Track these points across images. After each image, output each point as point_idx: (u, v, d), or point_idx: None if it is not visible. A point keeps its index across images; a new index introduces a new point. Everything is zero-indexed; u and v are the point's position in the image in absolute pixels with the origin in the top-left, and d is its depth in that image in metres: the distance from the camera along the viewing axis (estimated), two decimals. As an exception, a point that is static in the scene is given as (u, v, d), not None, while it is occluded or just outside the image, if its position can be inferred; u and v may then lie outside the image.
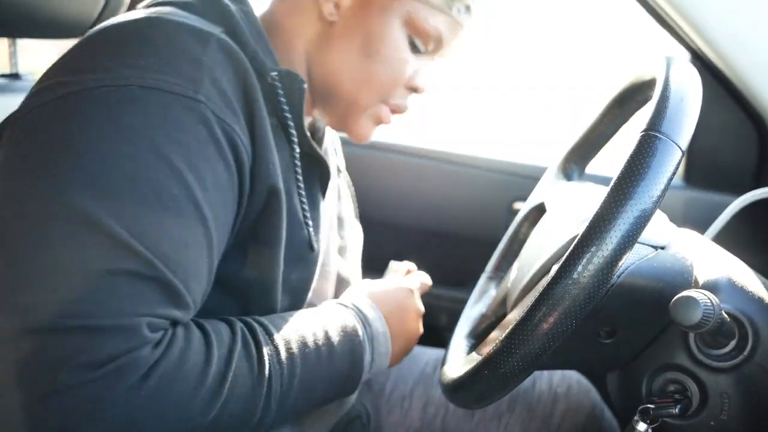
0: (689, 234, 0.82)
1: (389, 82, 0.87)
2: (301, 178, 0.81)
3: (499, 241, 1.09)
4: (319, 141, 0.98)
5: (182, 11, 0.75)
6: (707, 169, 1.35)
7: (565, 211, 0.88)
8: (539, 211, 1.03)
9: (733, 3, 1.11)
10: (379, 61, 0.85)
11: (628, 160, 0.62)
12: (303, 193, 0.81)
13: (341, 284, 0.99)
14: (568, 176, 1.05)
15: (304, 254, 0.82)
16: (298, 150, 0.81)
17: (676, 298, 0.62)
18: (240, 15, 0.79)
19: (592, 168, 1.07)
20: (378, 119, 0.92)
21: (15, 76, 1.17)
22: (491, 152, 1.59)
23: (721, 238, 0.93)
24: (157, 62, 0.65)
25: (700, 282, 0.71)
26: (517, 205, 1.49)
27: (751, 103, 1.23)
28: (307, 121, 0.90)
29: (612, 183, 0.62)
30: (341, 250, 1.02)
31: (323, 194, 0.91)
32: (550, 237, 0.85)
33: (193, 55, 0.67)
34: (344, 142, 1.63)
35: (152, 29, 0.68)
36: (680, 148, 0.63)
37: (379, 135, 1.67)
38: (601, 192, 0.87)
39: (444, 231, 1.60)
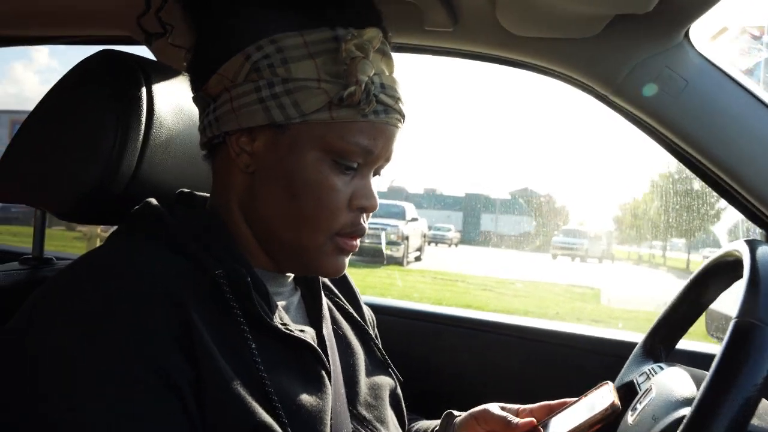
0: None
1: (326, 216, 0.82)
2: (262, 367, 0.76)
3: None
4: (315, 295, 0.97)
5: (129, 235, 0.83)
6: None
7: (661, 395, 0.87)
8: (628, 390, 1.03)
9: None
10: (307, 199, 0.82)
11: (726, 348, 0.64)
12: (267, 381, 0.76)
13: None
14: (655, 357, 1.05)
15: None
16: (253, 345, 0.77)
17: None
18: (183, 219, 0.83)
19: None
20: (339, 251, 0.86)
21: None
22: (578, 329, 1.60)
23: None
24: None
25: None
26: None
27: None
28: (280, 303, 0.88)
29: (711, 371, 0.63)
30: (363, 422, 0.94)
31: (323, 369, 0.86)
32: (646, 421, 0.84)
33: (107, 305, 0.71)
34: (417, 317, 1.68)
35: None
36: (777, 333, 0.64)
37: (462, 311, 1.73)
38: (696, 377, 0.87)
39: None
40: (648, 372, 1.00)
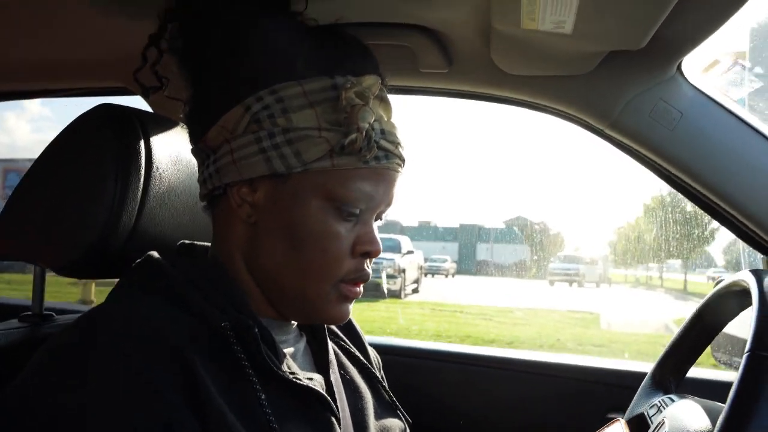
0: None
1: (330, 264, 0.82)
2: (272, 418, 0.76)
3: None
4: (320, 341, 0.97)
5: (131, 290, 0.82)
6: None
7: (674, 430, 0.87)
8: (639, 423, 1.02)
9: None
10: (310, 248, 0.81)
11: (740, 382, 0.64)
12: None
13: None
14: (665, 388, 1.05)
15: None
16: (263, 397, 0.76)
17: None
18: (186, 271, 0.82)
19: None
20: (343, 298, 0.85)
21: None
22: (583, 360, 1.59)
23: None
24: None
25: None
26: (612, 415, 1.46)
27: None
28: (287, 351, 0.88)
29: (727, 405, 0.63)
30: None
31: (333, 417, 0.85)
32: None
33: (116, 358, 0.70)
34: (422, 356, 1.67)
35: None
36: (790, 365, 0.64)
37: (467, 348, 1.72)
38: (710, 410, 0.87)
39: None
40: (659, 404, 1.00)
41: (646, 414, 1.01)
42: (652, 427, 0.94)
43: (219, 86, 0.83)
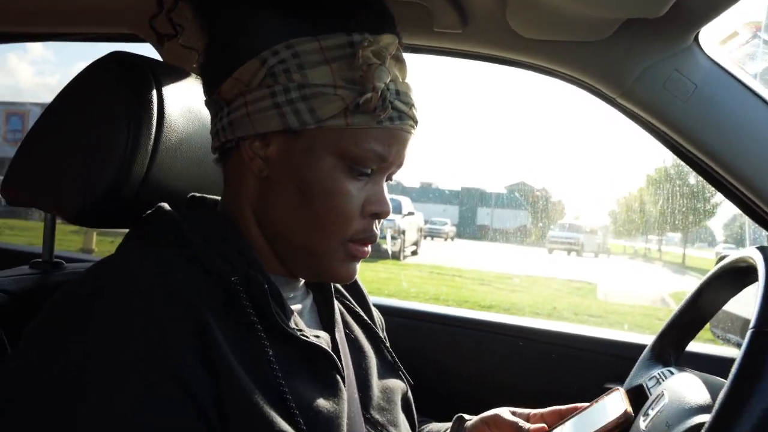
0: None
1: (339, 222, 0.82)
2: (280, 374, 0.76)
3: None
4: (327, 299, 0.97)
5: (142, 242, 0.83)
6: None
7: (674, 402, 0.87)
8: (638, 394, 1.03)
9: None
10: (321, 205, 0.81)
11: (744, 358, 0.64)
12: (285, 389, 0.76)
13: None
14: (665, 361, 1.06)
15: None
16: (270, 353, 0.76)
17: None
18: (196, 224, 0.83)
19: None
20: (351, 257, 0.86)
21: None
22: (581, 330, 1.60)
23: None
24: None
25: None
26: (610, 385, 1.47)
27: None
28: (294, 307, 0.88)
29: (730, 380, 0.63)
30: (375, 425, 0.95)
31: (338, 374, 0.86)
32: (659, 428, 0.84)
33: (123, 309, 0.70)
34: (425, 318, 1.68)
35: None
36: (793, 343, 0.64)
37: (471, 312, 1.72)
38: (709, 384, 0.87)
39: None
40: (658, 376, 1.01)
41: (645, 385, 1.02)
42: (651, 398, 0.95)
43: (235, 38, 0.82)
